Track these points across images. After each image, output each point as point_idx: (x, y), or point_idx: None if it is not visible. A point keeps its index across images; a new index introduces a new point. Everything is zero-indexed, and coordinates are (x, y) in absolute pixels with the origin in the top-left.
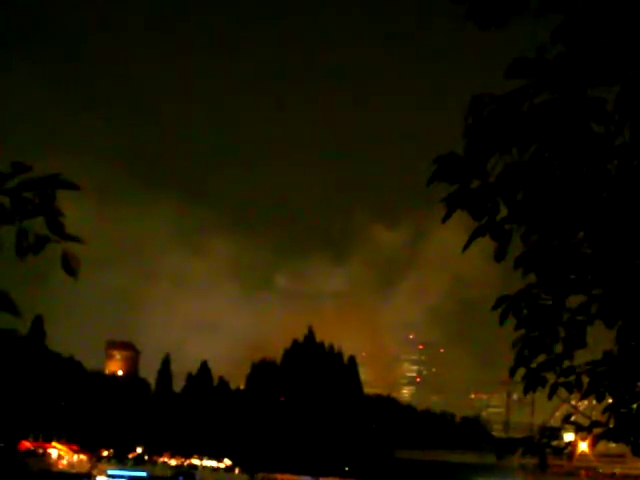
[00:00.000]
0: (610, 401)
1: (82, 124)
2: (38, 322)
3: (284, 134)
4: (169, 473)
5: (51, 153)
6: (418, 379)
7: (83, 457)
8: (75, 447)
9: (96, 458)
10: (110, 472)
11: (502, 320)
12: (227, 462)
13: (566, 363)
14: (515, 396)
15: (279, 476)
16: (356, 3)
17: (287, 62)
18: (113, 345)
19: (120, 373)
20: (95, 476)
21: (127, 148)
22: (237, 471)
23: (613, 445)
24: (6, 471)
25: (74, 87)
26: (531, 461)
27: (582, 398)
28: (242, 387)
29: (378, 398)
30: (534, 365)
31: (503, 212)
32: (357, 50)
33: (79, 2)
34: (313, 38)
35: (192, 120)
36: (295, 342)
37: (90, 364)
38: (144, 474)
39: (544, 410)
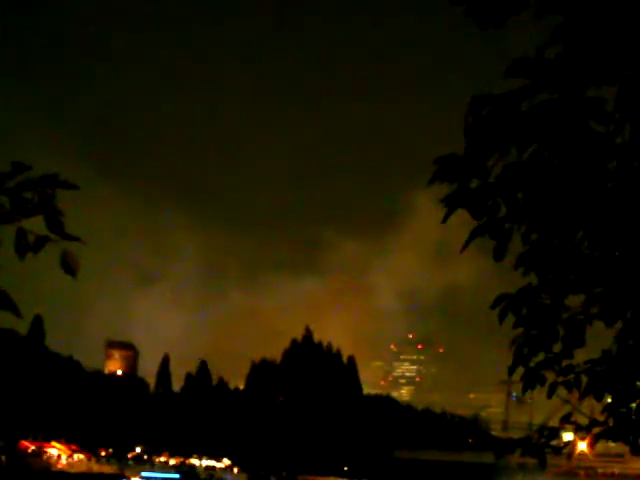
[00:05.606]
0: (609, 400)
1: (46, 120)
2: (37, 322)
3: (253, 146)
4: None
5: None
6: (417, 379)
7: (82, 456)
8: (74, 447)
9: (125, 459)
10: (144, 474)
11: (501, 318)
12: (226, 462)
13: (565, 362)
14: (514, 395)
15: (319, 479)
16: (356, 4)
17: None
18: (112, 345)
19: (119, 373)
20: (129, 478)
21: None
22: (236, 470)
23: (612, 445)
24: (7, 470)
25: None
26: (530, 461)
27: (581, 397)
28: (241, 387)
29: (377, 398)
30: (533, 364)
31: (502, 211)
32: (341, 62)
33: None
34: (311, 51)
35: (170, 120)
36: (294, 342)
37: (89, 364)
38: (177, 476)
39: (543, 410)
